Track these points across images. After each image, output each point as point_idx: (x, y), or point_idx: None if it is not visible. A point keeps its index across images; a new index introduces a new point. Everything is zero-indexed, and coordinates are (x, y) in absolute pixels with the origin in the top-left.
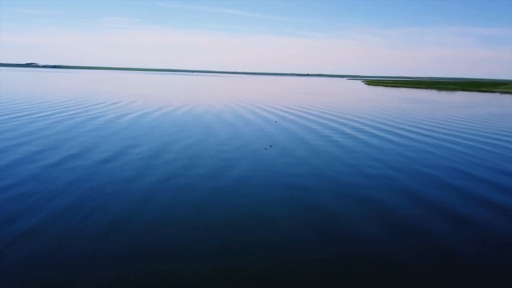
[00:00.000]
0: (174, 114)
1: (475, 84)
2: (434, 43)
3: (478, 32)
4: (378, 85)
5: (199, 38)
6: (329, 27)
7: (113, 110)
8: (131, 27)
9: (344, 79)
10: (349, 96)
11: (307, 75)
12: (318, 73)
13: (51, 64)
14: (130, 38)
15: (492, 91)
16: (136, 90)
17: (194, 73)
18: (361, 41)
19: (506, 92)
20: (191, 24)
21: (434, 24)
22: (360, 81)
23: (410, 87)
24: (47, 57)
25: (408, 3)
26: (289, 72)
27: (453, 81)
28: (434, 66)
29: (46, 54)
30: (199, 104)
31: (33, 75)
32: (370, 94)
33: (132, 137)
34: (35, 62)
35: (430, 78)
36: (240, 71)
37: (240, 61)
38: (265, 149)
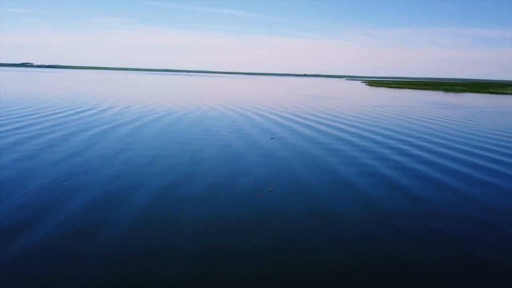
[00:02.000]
0: (176, 126)
1: (481, 85)
2: (429, 44)
3: (474, 33)
4: (381, 86)
5: (195, 39)
6: (326, 28)
7: (100, 120)
8: (127, 27)
9: (343, 79)
10: (364, 99)
11: (305, 75)
12: (316, 73)
13: (46, 64)
14: (126, 38)
15: (503, 93)
16: (133, 91)
17: (190, 73)
18: (357, 41)
19: None
20: (188, 25)
21: (429, 25)
22: (359, 81)
23: (414, 89)
24: (44, 57)
25: (403, 3)
26: (286, 73)
27: (452, 81)
28: (430, 66)
29: (43, 54)
30: (204, 112)
31: (24, 75)
32: (386, 98)
33: (114, 177)
34: (30, 62)
35: (426, 78)
36: (237, 71)
37: (237, 61)
38: (259, 196)
